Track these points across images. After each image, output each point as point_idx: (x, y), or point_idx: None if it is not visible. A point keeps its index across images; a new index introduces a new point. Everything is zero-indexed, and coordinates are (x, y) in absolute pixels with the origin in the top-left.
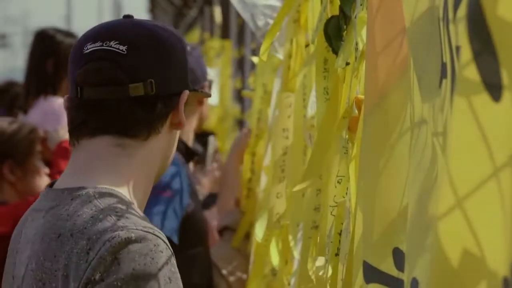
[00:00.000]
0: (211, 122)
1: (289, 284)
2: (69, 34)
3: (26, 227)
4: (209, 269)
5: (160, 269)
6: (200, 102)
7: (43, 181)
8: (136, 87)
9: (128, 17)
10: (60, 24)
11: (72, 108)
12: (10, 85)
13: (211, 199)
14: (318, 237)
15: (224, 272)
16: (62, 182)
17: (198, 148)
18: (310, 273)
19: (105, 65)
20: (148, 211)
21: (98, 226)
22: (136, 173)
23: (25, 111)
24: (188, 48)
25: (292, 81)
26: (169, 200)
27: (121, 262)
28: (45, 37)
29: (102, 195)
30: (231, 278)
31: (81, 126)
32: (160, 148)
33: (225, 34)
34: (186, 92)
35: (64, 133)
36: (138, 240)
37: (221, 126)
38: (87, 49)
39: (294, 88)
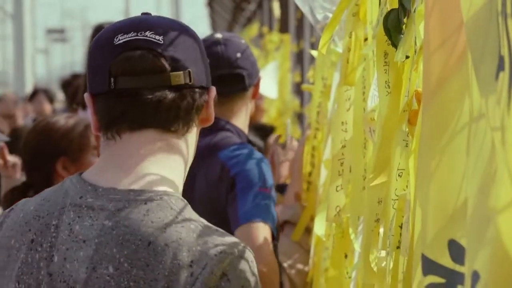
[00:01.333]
0: (270, 116)
1: (350, 277)
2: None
3: (66, 222)
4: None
5: (258, 283)
6: (254, 97)
7: None
8: (177, 76)
9: (146, 14)
10: (118, 18)
11: (106, 101)
12: (74, 77)
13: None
14: (380, 230)
15: (285, 265)
16: (110, 179)
17: (258, 141)
18: (372, 265)
19: (146, 54)
20: (254, 208)
21: (195, 238)
22: (180, 171)
23: (84, 106)
24: (243, 41)
25: (351, 75)
26: (269, 196)
27: (231, 279)
28: None
29: (177, 200)
30: (292, 272)
31: (120, 119)
32: (193, 144)
33: (284, 28)
34: (213, 89)
35: None
36: (241, 256)
37: (280, 119)
38: (119, 40)
39: (353, 81)
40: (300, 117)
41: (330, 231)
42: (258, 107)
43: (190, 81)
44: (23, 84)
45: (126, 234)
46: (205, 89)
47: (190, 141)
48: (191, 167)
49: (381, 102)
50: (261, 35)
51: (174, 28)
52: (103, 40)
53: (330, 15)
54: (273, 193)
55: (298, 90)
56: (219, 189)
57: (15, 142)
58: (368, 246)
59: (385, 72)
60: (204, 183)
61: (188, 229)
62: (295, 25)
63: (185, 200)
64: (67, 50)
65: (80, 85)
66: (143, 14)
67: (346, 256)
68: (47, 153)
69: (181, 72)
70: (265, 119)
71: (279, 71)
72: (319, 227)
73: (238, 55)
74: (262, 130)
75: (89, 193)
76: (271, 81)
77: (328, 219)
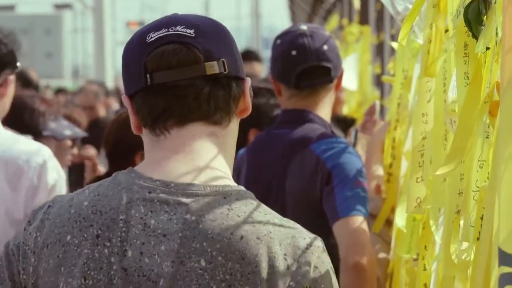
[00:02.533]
0: (350, 108)
1: (430, 269)
2: None
3: (137, 217)
4: None
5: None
6: (337, 88)
7: None
8: (211, 65)
9: (176, 14)
10: (199, 11)
11: (145, 98)
12: None
13: None
14: (461, 222)
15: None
16: (176, 174)
17: (339, 133)
18: (453, 257)
19: (179, 47)
20: (353, 201)
21: (282, 231)
22: (230, 163)
23: None
24: (327, 33)
25: (432, 66)
26: (365, 189)
27: (321, 270)
28: None
29: (250, 194)
30: None
31: (164, 115)
32: (235, 135)
33: (363, 20)
34: (248, 80)
35: None
36: (323, 248)
37: (360, 111)
38: (151, 37)
39: (434, 73)
40: (380, 109)
41: (410, 223)
42: (338, 99)
43: (225, 70)
44: (103, 77)
45: (214, 228)
46: (240, 79)
47: (233, 132)
48: (280, 158)
49: (460, 94)
50: (341, 27)
51: (205, 22)
52: (135, 40)
53: (410, 6)
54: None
55: (378, 82)
56: (313, 181)
57: (95, 133)
58: (448, 238)
59: (465, 64)
60: (297, 174)
61: (274, 223)
62: (375, 17)
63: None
64: None
65: None
66: (173, 14)
67: (426, 248)
68: (128, 145)
69: (215, 61)
70: (345, 111)
71: (359, 63)
72: (400, 219)
73: (325, 47)
74: (343, 122)
75: (159, 188)
76: (351, 73)
77: (409, 211)
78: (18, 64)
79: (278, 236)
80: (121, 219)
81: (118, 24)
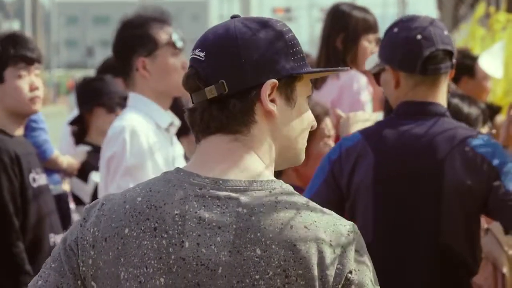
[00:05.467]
0: (496, 96)
1: None
2: (364, 9)
3: (192, 211)
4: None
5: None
6: (451, 76)
7: None
8: (210, 90)
9: (234, 17)
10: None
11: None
12: None
13: None
14: None
15: (506, 247)
16: (221, 173)
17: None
18: None
19: (190, 73)
20: None
21: (325, 220)
22: (267, 160)
23: (317, 87)
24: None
25: None
26: None
27: (362, 254)
28: (337, 12)
29: (291, 187)
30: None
31: (193, 129)
32: (268, 134)
33: (511, 8)
34: (269, 82)
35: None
36: (360, 233)
37: (506, 99)
38: (191, 55)
39: None
40: None
41: None
42: (484, 87)
43: (225, 90)
44: None
45: (266, 220)
46: (251, 89)
47: (261, 133)
48: (433, 154)
49: None
50: (487, 15)
51: (220, 38)
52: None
53: None
54: None
55: None
56: (479, 178)
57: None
58: None
59: None
60: (457, 171)
61: (317, 212)
62: None
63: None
64: (294, 29)
65: None
66: (232, 17)
67: None
68: None
69: (213, 86)
70: (490, 99)
71: (506, 51)
72: None
73: (446, 33)
74: (490, 110)
75: (209, 185)
76: (497, 61)
77: None
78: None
79: (322, 225)
80: (176, 214)
81: (265, 10)
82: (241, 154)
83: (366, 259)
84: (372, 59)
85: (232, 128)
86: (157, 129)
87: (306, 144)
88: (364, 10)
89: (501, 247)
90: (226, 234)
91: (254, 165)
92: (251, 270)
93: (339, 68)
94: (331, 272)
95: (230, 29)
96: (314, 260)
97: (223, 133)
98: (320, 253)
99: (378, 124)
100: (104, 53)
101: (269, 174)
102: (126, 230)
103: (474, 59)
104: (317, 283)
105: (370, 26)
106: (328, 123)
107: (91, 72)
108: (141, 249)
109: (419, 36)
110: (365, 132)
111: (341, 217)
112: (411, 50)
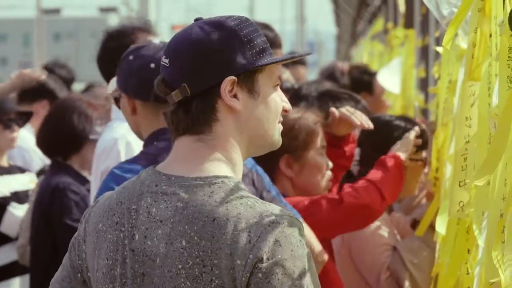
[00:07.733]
0: (395, 111)
1: (473, 272)
2: (265, 26)
3: (144, 206)
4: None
5: (306, 250)
6: None
7: (324, 178)
8: (176, 94)
9: (197, 20)
10: (243, 14)
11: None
12: None
13: None
14: (504, 226)
15: (409, 266)
16: (179, 170)
17: None
18: (495, 262)
19: (159, 79)
20: None
21: (251, 212)
22: (231, 158)
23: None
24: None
25: (476, 70)
26: None
27: (282, 244)
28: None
29: (235, 182)
30: (415, 270)
31: (171, 128)
32: (234, 129)
33: (409, 23)
34: (227, 80)
35: None
36: (290, 224)
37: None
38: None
39: (478, 77)
40: (424, 113)
41: (453, 227)
42: (382, 103)
43: (188, 93)
44: None
45: (195, 213)
46: (211, 89)
47: (222, 133)
48: None
49: (501, 97)
50: (386, 31)
51: (181, 43)
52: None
53: (456, 10)
54: None
55: (422, 85)
56: None
57: None
58: (491, 242)
59: (508, 67)
60: None
61: (246, 205)
62: (420, 21)
63: (242, 182)
64: None
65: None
66: (195, 20)
67: (469, 252)
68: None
69: (177, 90)
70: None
71: (404, 66)
72: (441, 225)
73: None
74: None
75: (163, 181)
76: (394, 77)
77: (451, 215)
78: None
79: (246, 216)
80: (133, 208)
81: (163, 27)
82: (203, 153)
83: (288, 249)
84: (113, 82)
85: (196, 129)
86: None
87: (281, 128)
88: (265, 26)
89: (405, 265)
90: (165, 227)
91: (213, 163)
92: (176, 260)
93: (299, 54)
94: (242, 262)
95: (187, 34)
96: (227, 250)
97: (189, 134)
98: (235, 244)
99: None
100: (3, 71)
101: (225, 170)
102: (100, 225)
103: (372, 75)
104: (230, 272)
105: (271, 43)
106: (321, 133)
107: None
108: (106, 242)
109: (152, 65)
110: None
111: (279, 210)
112: (144, 79)
